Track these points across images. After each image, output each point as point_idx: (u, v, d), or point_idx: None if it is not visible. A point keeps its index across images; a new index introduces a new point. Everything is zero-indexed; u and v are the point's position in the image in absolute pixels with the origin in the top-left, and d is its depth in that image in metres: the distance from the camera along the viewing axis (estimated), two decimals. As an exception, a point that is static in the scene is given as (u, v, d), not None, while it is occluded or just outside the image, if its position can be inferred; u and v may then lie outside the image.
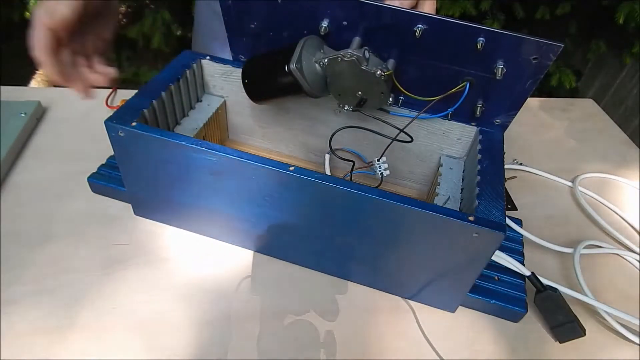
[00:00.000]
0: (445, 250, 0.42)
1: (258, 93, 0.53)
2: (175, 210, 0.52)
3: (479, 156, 0.48)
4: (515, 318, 0.48)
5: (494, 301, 0.47)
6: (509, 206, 0.62)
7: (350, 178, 0.54)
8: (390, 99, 0.50)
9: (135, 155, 0.47)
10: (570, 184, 0.67)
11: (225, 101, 0.61)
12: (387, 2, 0.46)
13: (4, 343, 0.43)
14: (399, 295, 0.50)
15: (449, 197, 0.50)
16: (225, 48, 0.58)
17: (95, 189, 0.57)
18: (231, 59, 0.57)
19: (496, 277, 0.50)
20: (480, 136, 0.50)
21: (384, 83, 0.46)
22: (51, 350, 0.43)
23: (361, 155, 0.60)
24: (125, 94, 0.75)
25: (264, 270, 0.51)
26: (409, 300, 0.50)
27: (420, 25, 0.44)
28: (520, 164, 0.69)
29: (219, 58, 0.57)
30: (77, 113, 0.70)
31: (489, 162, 0.47)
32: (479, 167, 0.46)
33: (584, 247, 0.55)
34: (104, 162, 0.58)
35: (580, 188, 0.66)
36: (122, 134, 0.45)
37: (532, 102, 0.85)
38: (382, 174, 0.55)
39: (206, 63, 0.57)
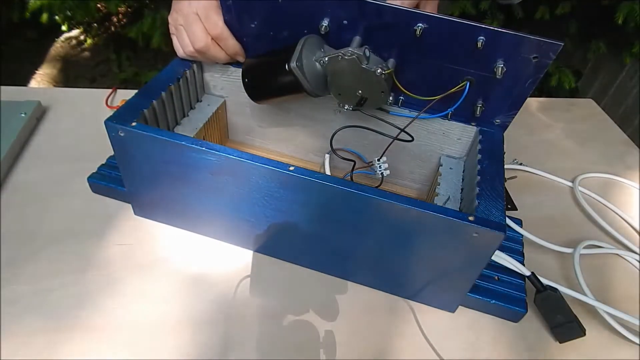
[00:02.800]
0: (445, 250, 0.42)
1: (258, 92, 0.53)
2: (175, 210, 0.52)
3: (479, 156, 0.48)
4: (515, 318, 0.48)
5: (494, 301, 0.47)
6: (509, 206, 0.62)
7: (351, 178, 0.54)
8: (391, 99, 0.50)
9: (135, 155, 0.47)
10: (570, 184, 0.67)
11: (225, 101, 0.61)
12: (388, 2, 0.46)
13: (4, 343, 0.43)
14: (399, 295, 0.50)
15: (449, 197, 0.50)
16: None
17: (95, 189, 0.57)
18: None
19: (496, 277, 0.50)
20: (480, 136, 0.50)
21: (384, 82, 0.46)
22: (51, 350, 0.43)
23: (361, 155, 0.60)
24: (125, 94, 0.75)
25: (263, 270, 0.51)
26: (409, 300, 0.50)
27: (420, 24, 0.44)
28: (520, 164, 0.69)
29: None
30: (77, 113, 0.70)
31: (489, 162, 0.47)
32: (479, 167, 0.46)
33: (584, 247, 0.55)
34: (104, 162, 0.58)
35: (580, 188, 0.66)
36: (122, 134, 0.45)
37: (532, 102, 0.85)
38: (382, 174, 0.55)
39: (206, 63, 0.57)
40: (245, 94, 0.53)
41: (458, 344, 0.47)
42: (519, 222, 0.57)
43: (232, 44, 0.52)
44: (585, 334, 0.46)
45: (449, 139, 0.54)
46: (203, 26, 0.50)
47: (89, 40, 2.10)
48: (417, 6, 0.48)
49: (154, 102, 0.49)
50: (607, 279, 0.54)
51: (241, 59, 0.54)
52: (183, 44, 0.52)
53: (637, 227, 0.61)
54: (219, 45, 0.51)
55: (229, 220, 0.50)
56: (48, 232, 0.53)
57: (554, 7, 1.42)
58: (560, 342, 0.47)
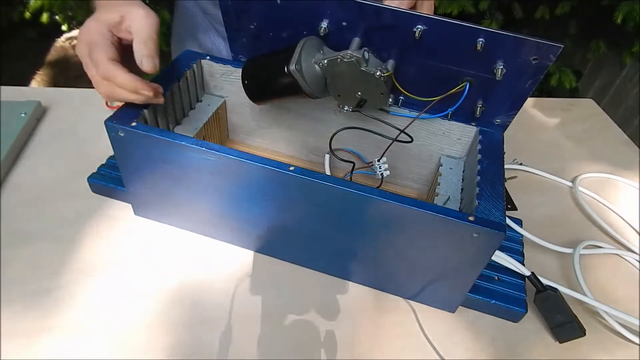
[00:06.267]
0: (445, 250, 0.42)
1: (258, 94, 0.53)
2: (175, 210, 0.52)
3: (479, 156, 0.48)
4: (515, 318, 0.48)
5: (494, 301, 0.47)
6: (509, 206, 0.62)
7: (351, 178, 0.54)
8: (390, 99, 0.50)
9: (135, 155, 0.47)
10: (570, 184, 0.67)
11: (225, 101, 0.61)
12: (386, 3, 0.46)
13: (4, 343, 0.43)
14: (399, 295, 0.50)
15: (449, 197, 0.50)
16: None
17: (95, 189, 0.57)
18: (230, 58, 0.57)
19: (496, 277, 0.50)
20: (480, 136, 0.50)
21: (383, 84, 0.46)
22: (51, 350, 0.43)
23: (361, 155, 0.60)
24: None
25: (264, 270, 0.51)
26: (409, 300, 0.50)
27: (419, 26, 0.44)
28: (520, 164, 0.69)
29: (218, 58, 0.57)
30: (77, 113, 0.70)
31: (489, 162, 0.47)
32: (479, 167, 0.46)
33: (584, 247, 0.55)
34: (104, 162, 0.59)
35: (580, 188, 0.66)
36: (122, 134, 0.45)
37: (532, 102, 0.85)
38: (382, 174, 0.55)
39: (206, 63, 0.57)
40: (245, 94, 0.53)
41: (458, 344, 0.47)
42: (519, 222, 0.57)
43: (124, 80, 0.43)
44: (585, 334, 0.46)
45: (449, 139, 0.54)
46: (94, 68, 0.44)
47: (89, 40, 2.09)
48: (414, 6, 0.48)
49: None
50: (607, 279, 0.54)
51: (146, 92, 0.45)
52: (97, 91, 0.46)
53: (637, 227, 0.61)
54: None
55: (229, 221, 0.50)
56: (48, 232, 0.53)
57: (554, 7, 1.42)
58: (560, 342, 0.47)
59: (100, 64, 0.43)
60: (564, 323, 0.46)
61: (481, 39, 0.43)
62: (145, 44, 0.44)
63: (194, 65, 0.56)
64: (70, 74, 2.01)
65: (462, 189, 0.51)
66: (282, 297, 0.49)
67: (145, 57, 0.44)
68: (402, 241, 0.44)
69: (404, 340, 0.46)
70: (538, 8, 1.43)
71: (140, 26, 0.44)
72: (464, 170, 0.54)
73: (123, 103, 0.48)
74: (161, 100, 0.47)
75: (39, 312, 0.45)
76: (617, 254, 0.57)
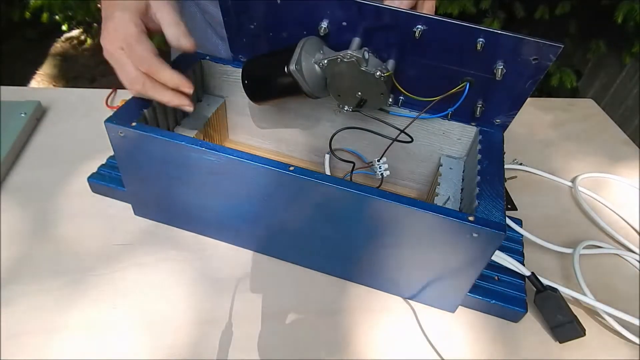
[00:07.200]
0: (446, 250, 0.42)
1: (258, 94, 0.53)
2: (175, 210, 0.52)
3: (479, 156, 0.48)
4: (515, 318, 0.48)
5: (494, 301, 0.47)
6: (509, 206, 0.62)
7: (351, 178, 0.54)
8: (390, 99, 0.50)
9: (135, 155, 0.47)
10: (570, 184, 0.67)
11: (225, 101, 0.61)
12: (386, 3, 0.46)
13: (4, 343, 0.43)
14: (399, 295, 0.50)
15: (449, 197, 0.50)
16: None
17: (95, 189, 0.57)
18: (231, 58, 0.57)
19: (496, 277, 0.50)
20: (480, 136, 0.50)
21: (383, 84, 0.46)
22: (51, 350, 0.43)
23: (361, 155, 0.60)
24: (125, 94, 0.75)
25: (264, 270, 0.51)
26: (409, 300, 0.50)
27: (419, 26, 0.44)
28: (520, 164, 0.69)
29: (218, 58, 0.57)
30: (77, 113, 0.70)
31: (489, 162, 0.47)
32: (479, 167, 0.46)
33: (584, 247, 0.55)
34: (104, 162, 0.59)
35: (580, 188, 0.66)
36: (122, 134, 0.45)
37: (532, 102, 0.85)
38: (382, 174, 0.55)
39: (206, 63, 0.57)
40: (245, 94, 0.53)
41: (458, 344, 0.47)
42: (519, 222, 0.57)
43: (167, 76, 0.43)
44: (585, 334, 0.46)
45: (449, 139, 0.54)
46: (132, 63, 0.43)
47: (89, 41, 2.10)
48: (414, 6, 0.48)
49: (154, 102, 0.49)
50: (607, 279, 0.54)
51: (187, 90, 0.46)
52: (125, 85, 0.45)
53: (637, 227, 0.61)
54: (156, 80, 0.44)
55: (229, 220, 0.50)
56: (48, 232, 0.53)
57: (554, 7, 1.42)
58: (560, 342, 0.47)
59: (145, 58, 0.42)
60: (564, 323, 0.46)
61: (481, 39, 0.43)
62: (177, 25, 0.44)
63: (194, 65, 0.56)
64: (70, 74, 2.01)
65: (462, 189, 0.51)
66: (282, 297, 0.49)
67: (182, 35, 0.44)
68: (402, 241, 0.44)
69: (404, 340, 0.46)
70: (538, 8, 1.43)
71: (168, 11, 0.44)
72: (464, 170, 0.54)
73: (123, 103, 0.48)
74: (192, 108, 0.47)
75: (39, 312, 0.45)
76: (617, 254, 0.57)
